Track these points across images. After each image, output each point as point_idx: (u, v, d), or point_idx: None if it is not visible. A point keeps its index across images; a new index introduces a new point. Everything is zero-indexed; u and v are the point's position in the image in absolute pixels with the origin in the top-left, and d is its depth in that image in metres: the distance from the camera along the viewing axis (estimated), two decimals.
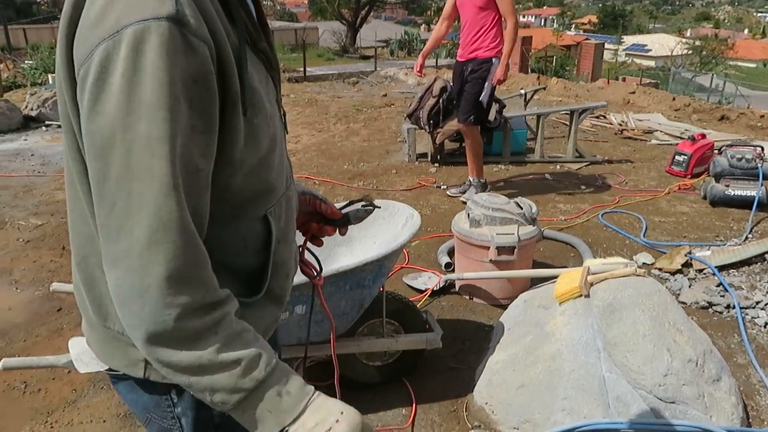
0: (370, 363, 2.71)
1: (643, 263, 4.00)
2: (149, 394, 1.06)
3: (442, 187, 5.60)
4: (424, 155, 6.46)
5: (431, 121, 6.01)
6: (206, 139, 0.85)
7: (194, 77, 0.81)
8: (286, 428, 0.88)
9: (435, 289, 3.59)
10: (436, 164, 6.27)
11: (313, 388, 0.93)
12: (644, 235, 4.49)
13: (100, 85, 0.79)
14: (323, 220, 1.40)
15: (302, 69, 13.31)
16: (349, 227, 1.42)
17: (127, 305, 0.84)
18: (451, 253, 3.88)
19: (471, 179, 5.19)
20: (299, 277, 2.21)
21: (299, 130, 7.88)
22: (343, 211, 1.42)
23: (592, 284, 2.53)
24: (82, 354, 1.19)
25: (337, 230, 1.41)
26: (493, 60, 4.69)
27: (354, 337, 2.61)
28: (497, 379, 2.57)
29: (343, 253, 2.85)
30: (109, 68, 0.79)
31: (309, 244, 1.39)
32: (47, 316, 3.36)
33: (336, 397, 0.96)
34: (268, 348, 0.91)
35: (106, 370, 1.08)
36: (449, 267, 3.81)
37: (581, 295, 2.52)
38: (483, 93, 4.76)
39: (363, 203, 1.43)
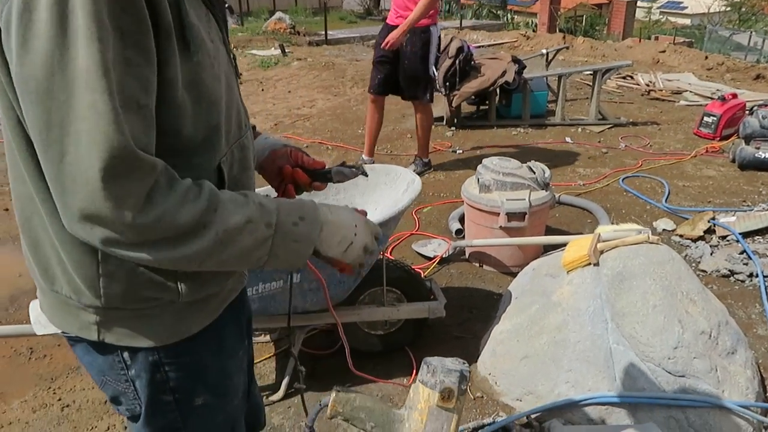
0: (371, 331, 2.65)
1: (663, 230, 3.85)
2: (103, 357, 1.03)
3: (457, 151, 5.46)
4: (440, 119, 6.29)
5: (447, 83, 5.83)
6: (144, 72, 0.81)
7: (122, 6, 0.77)
8: (317, 248, 0.97)
9: (444, 256, 3.50)
10: (453, 128, 6.11)
11: (314, 202, 1.00)
12: (666, 201, 4.31)
13: (27, 23, 0.74)
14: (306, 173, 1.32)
15: (323, 32, 13.07)
16: (341, 190, 1.33)
17: (123, 246, 0.81)
18: (462, 219, 3.78)
19: (417, 159, 4.82)
20: None
21: (314, 95, 7.74)
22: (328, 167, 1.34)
23: (601, 252, 2.42)
24: (40, 316, 1.15)
25: (312, 184, 1.32)
26: (432, 28, 4.29)
27: (354, 305, 2.55)
28: (501, 350, 2.50)
29: None
30: (32, 3, 0.74)
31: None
32: None
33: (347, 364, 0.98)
34: (258, 194, 0.95)
35: (62, 332, 1.05)
36: (460, 234, 3.71)
37: (590, 264, 2.41)
38: (430, 65, 4.37)
39: (351, 165, 1.34)
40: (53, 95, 0.75)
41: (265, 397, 2.43)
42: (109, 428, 2.32)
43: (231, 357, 1.15)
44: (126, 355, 1.01)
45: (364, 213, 1.11)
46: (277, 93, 7.87)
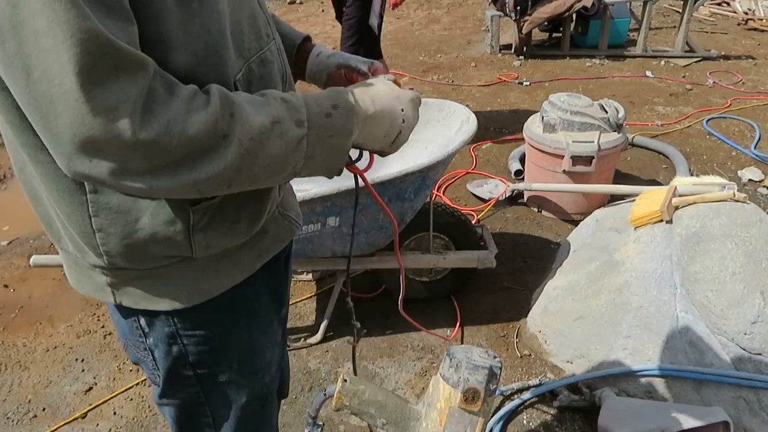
0: (416, 277, 2.52)
1: (749, 180, 3.46)
2: (124, 320, 0.93)
3: (524, 83, 5.08)
4: (508, 47, 5.86)
5: (518, 8, 5.36)
6: None
7: None
8: (355, 140, 0.83)
9: (500, 198, 3.28)
10: (521, 57, 5.67)
11: (347, 90, 0.85)
12: (755, 147, 3.87)
13: None
14: None
15: None
16: None
17: (134, 177, 0.66)
18: (523, 159, 3.51)
19: None
20: (331, 189, 2.00)
21: None
22: None
23: (676, 208, 2.14)
24: None
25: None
26: None
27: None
28: (554, 307, 2.31)
29: (393, 158, 2.58)
30: None
31: None
32: None
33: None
34: (278, 91, 0.80)
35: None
36: (519, 175, 3.46)
37: (662, 221, 2.15)
38: (372, 15, 3.48)
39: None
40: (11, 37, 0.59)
41: (302, 340, 2.37)
42: None
43: (263, 331, 1.01)
44: (143, 321, 0.91)
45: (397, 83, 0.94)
46: None
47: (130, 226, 0.80)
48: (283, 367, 1.27)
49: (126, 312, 0.91)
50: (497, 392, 0.90)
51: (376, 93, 0.87)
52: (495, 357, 0.90)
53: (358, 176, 1.00)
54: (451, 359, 0.89)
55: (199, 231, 0.82)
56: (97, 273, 0.86)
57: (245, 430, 1.05)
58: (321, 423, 1.05)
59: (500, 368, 0.89)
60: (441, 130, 2.42)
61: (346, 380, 0.93)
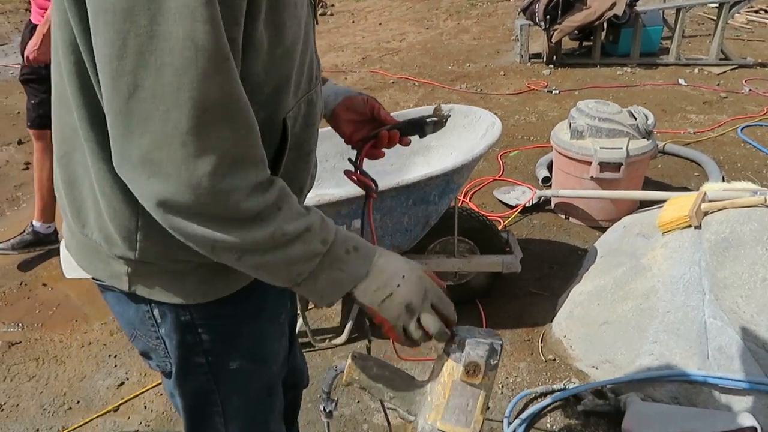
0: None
1: None
2: (135, 309, 0.96)
3: (554, 91, 5.06)
4: (537, 56, 5.86)
5: (548, 17, 5.36)
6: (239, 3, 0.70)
7: None
8: (352, 290, 0.85)
9: (527, 205, 3.28)
10: (551, 66, 5.66)
11: (369, 245, 0.88)
12: None
13: None
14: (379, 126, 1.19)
15: None
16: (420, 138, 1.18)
17: (171, 210, 0.72)
18: (550, 166, 3.50)
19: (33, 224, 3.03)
20: (356, 192, 2.04)
21: (405, 27, 7.44)
22: (404, 120, 1.20)
23: (705, 213, 2.12)
24: (69, 257, 1.09)
25: (402, 140, 1.18)
26: None
27: (423, 254, 2.42)
28: (579, 312, 2.30)
29: (419, 163, 2.61)
30: None
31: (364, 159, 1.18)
32: None
33: None
34: (320, 212, 0.85)
35: (92, 278, 0.98)
36: (546, 182, 3.45)
37: (690, 226, 2.13)
38: None
39: (432, 118, 1.18)
40: (133, 17, 0.63)
41: (328, 340, 2.40)
42: None
43: (272, 322, 1.05)
44: (156, 312, 0.94)
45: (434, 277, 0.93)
46: (368, 25, 7.64)
47: (168, 231, 0.85)
48: (297, 353, 1.33)
49: (136, 300, 0.94)
50: (498, 368, 0.92)
51: (391, 256, 0.89)
52: (496, 335, 0.94)
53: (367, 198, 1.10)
54: (453, 336, 0.92)
55: None
56: (118, 263, 0.90)
57: (253, 418, 1.08)
58: (335, 399, 1.09)
59: (501, 345, 0.92)
60: (466, 136, 2.45)
61: (355, 356, 0.97)
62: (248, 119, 0.71)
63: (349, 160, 1.15)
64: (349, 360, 0.97)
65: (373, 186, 1.13)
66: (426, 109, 1.20)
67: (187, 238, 0.75)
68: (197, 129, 0.66)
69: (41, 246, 3.02)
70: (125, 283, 0.91)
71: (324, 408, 1.08)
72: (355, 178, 1.12)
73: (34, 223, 2.99)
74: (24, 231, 3.00)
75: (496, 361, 0.92)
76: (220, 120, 0.68)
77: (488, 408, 0.92)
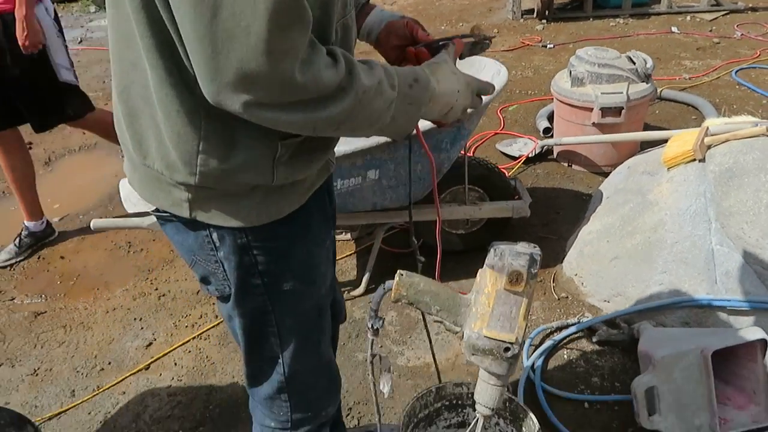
0: (452, 230, 2.60)
1: None
2: (194, 236, 1.02)
3: (548, 46, 5.08)
4: (530, 11, 5.84)
5: None
6: None
7: None
8: (423, 111, 0.99)
9: (530, 155, 3.33)
10: (544, 21, 5.66)
11: (422, 69, 1.00)
12: None
13: None
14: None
15: None
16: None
17: (266, 108, 0.79)
18: (551, 117, 3.55)
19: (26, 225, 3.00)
20: (366, 141, 2.08)
21: None
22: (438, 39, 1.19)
23: (709, 147, 2.18)
24: (131, 194, 1.14)
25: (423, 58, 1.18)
26: (39, 7, 2.55)
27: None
28: (589, 250, 2.38)
29: None
30: None
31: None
32: None
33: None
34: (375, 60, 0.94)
35: (153, 210, 1.04)
36: (548, 133, 3.50)
37: (694, 160, 2.19)
38: (58, 67, 2.67)
39: (469, 38, 1.19)
40: None
41: (346, 293, 2.47)
42: (201, 316, 2.45)
43: (318, 245, 1.12)
44: (215, 236, 1.00)
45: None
46: None
47: (228, 152, 0.90)
48: (336, 288, 1.39)
49: (195, 227, 1.00)
50: (537, 277, 0.99)
51: (442, 74, 1.02)
52: (535, 247, 1.00)
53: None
54: (495, 250, 0.98)
55: (281, 164, 0.94)
56: (179, 189, 0.95)
57: (305, 338, 1.15)
58: (382, 316, 1.15)
59: (540, 256, 0.99)
60: None
61: (402, 274, 1.03)
62: (309, 14, 0.77)
63: None
64: (397, 277, 1.03)
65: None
66: (464, 34, 1.21)
67: (290, 128, 0.84)
68: (277, 34, 0.72)
69: (42, 241, 3.02)
70: (186, 210, 0.97)
71: (372, 325, 1.14)
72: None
73: (27, 224, 2.97)
74: (20, 235, 2.96)
75: (535, 270, 0.98)
76: (292, 21, 0.73)
77: (530, 315, 0.98)
